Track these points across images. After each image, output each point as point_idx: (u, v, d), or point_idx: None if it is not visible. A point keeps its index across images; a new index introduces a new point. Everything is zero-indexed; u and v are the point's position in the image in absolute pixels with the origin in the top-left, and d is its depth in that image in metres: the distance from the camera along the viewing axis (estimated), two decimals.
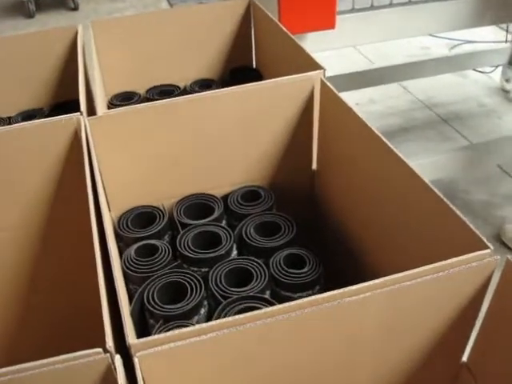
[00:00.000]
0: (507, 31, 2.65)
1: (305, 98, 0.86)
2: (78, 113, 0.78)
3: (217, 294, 0.71)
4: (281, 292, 0.73)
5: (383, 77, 2.26)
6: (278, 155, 0.90)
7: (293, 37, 1.00)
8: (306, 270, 0.74)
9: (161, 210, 0.83)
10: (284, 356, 0.50)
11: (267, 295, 0.72)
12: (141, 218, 0.83)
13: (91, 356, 0.44)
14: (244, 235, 0.80)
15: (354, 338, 0.54)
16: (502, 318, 0.54)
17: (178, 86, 1.20)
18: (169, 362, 0.45)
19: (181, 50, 1.21)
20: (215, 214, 0.84)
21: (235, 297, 0.70)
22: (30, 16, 3.66)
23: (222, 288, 0.72)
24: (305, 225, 0.83)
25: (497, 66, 2.69)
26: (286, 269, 0.74)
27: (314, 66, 0.88)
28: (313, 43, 1.29)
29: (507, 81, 2.63)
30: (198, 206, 0.85)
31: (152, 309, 0.69)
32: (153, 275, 0.74)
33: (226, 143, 0.86)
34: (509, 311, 0.53)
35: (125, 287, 0.70)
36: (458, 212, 0.56)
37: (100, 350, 0.44)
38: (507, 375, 0.56)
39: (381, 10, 1.40)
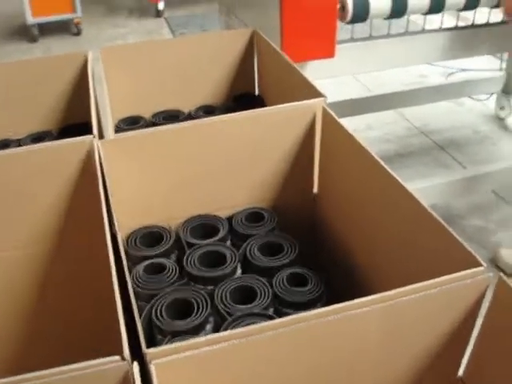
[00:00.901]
0: (501, 60, 2.72)
1: (307, 125, 0.90)
2: (91, 135, 0.82)
3: (222, 310, 0.74)
4: (284, 309, 0.76)
5: (381, 104, 2.32)
6: (280, 179, 0.94)
7: (295, 65, 1.05)
8: (308, 288, 0.77)
9: (168, 230, 0.87)
10: (289, 365, 0.53)
11: (271, 312, 0.75)
12: (149, 238, 0.86)
13: (109, 364, 0.47)
14: (248, 254, 0.83)
15: (355, 351, 0.57)
16: (496, 334, 0.57)
17: (182, 112, 1.24)
18: (182, 370, 0.48)
19: (186, 77, 1.26)
20: (220, 234, 0.87)
21: (240, 313, 0.73)
22: (34, 40, 3.74)
23: (228, 305, 0.75)
24: (306, 245, 0.86)
25: (491, 94, 2.76)
26: (288, 287, 0.77)
27: (316, 93, 0.92)
28: (313, 71, 1.34)
29: (502, 108, 2.69)
30: (204, 226, 0.89)
31: (160, 324, 0.72)
32: (160, 292, 0.76)
33: (231, 167, 0.90)
34: (502, 327, 0.56)
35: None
36: (452, 232, 0.59)
37: (118, 357, 0.47)
38: None
39: (379, 40, 1.45)
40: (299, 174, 0.94)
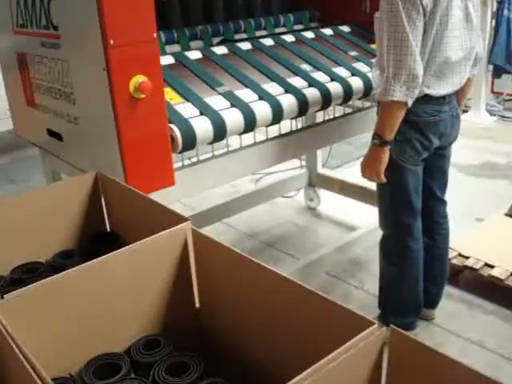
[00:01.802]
0: (301, 159, 3.11)
1: (179, 248, 0.99)
2: None
3: None
4: None
5: (205, 220, 2.48)
6: (163, 303, 1.00)
7: (147, 196, 1.15)
8: None
9: (72, 377, 0.87)
10: None
11: None
12: None
13: None
14: (157, 378, 0.87)
15: None
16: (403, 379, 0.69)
17: (41, 262, 1.24)
18: None
19: (37, 229, 1.27)
20: (124, 371, 0.90)
21: None
22: None
23: None
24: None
25: (299, 189, 3.10)
26: None
27: (179, 218, 1.02)
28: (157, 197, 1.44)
29: (311, 200, 3.04)
30: (106, 365, 0.91)
31: None
32: None
33: (119, 304, 0.95)
34: (405, 373, 0.68)
35: None
36: (339, 302, 0.71)
37: None
38: None
39: (206, 162, 1.62)
40: (179, 294, 1.02)
